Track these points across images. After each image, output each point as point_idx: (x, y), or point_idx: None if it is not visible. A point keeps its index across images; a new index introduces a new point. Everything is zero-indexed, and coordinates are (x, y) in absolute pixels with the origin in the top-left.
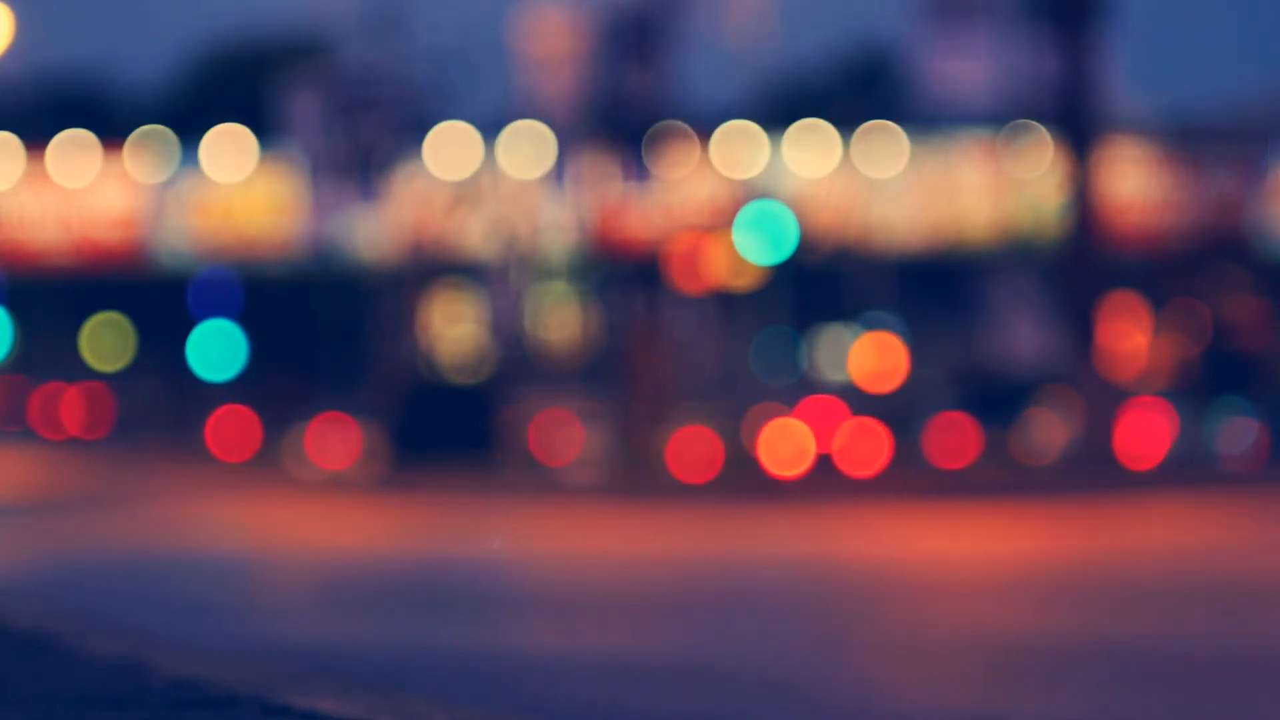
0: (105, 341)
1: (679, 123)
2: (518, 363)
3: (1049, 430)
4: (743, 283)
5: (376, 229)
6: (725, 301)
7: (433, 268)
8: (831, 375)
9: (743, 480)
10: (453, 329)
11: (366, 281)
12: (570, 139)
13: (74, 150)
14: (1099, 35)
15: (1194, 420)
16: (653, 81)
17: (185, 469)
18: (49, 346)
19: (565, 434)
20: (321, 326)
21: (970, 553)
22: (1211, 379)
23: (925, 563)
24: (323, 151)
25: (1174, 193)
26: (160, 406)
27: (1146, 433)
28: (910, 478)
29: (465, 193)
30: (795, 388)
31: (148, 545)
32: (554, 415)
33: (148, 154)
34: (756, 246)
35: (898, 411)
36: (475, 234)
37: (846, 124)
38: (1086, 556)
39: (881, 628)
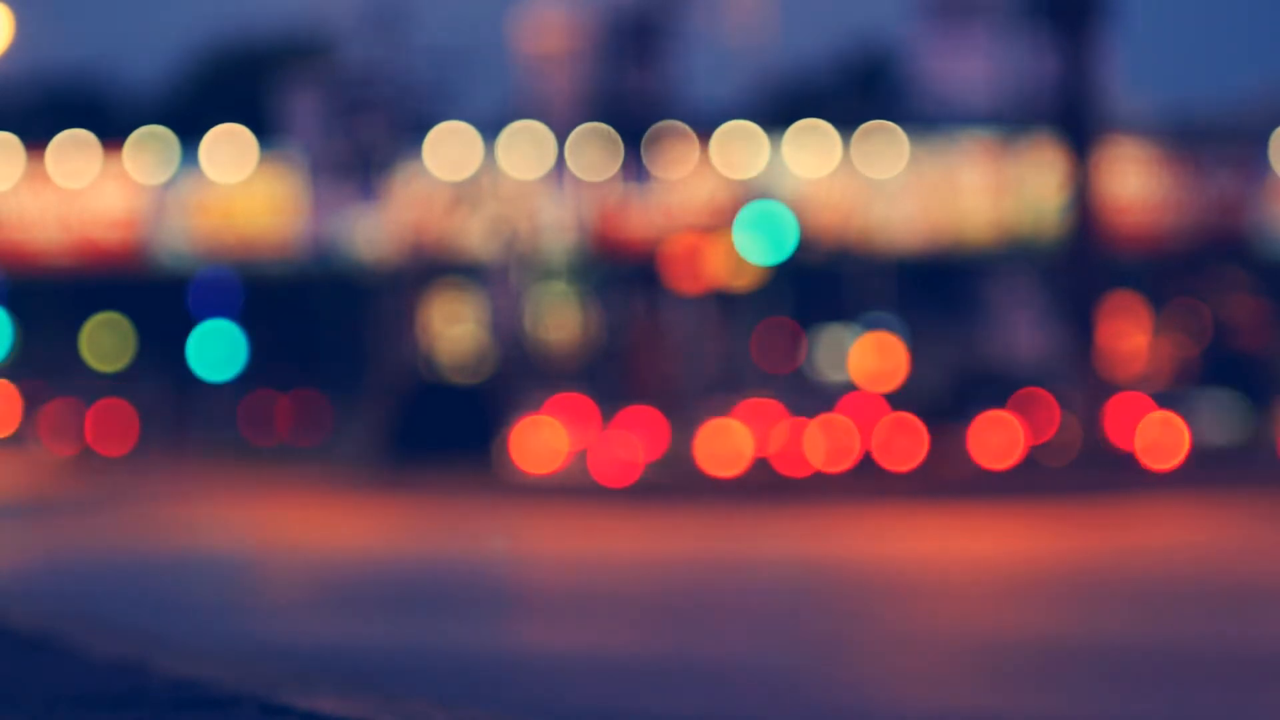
0: (105, 341)
1: (679, 123)
2: (518, 363)
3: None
4: (743, 283)
5: (376, 229)
6: (725, 301)
7: (433, 268)
8: (832, 375)
9: (678, 480)
10: (453, 329)
11: (366, 281)
12: (570, 139)
13: (74, 150)
14: (1099, 35)
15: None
16: (653, 81)
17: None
18: (49, 347)
19: (548, 437)
20: (321, 326)
21: (966, 553)
22: (1212, 379)
23: (921, 563)
24: (323, 151)
25: (1174, 193)
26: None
27: (1158, 432)
28: (855, 480)
29: (465, 193)
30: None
31: (148, 545)
32: (536, 419)
33: (148, 154)
34: (756, 246)
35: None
36: (475, 234)
37: (846, 124)
38: (1086, 557)
39: (879, 628)
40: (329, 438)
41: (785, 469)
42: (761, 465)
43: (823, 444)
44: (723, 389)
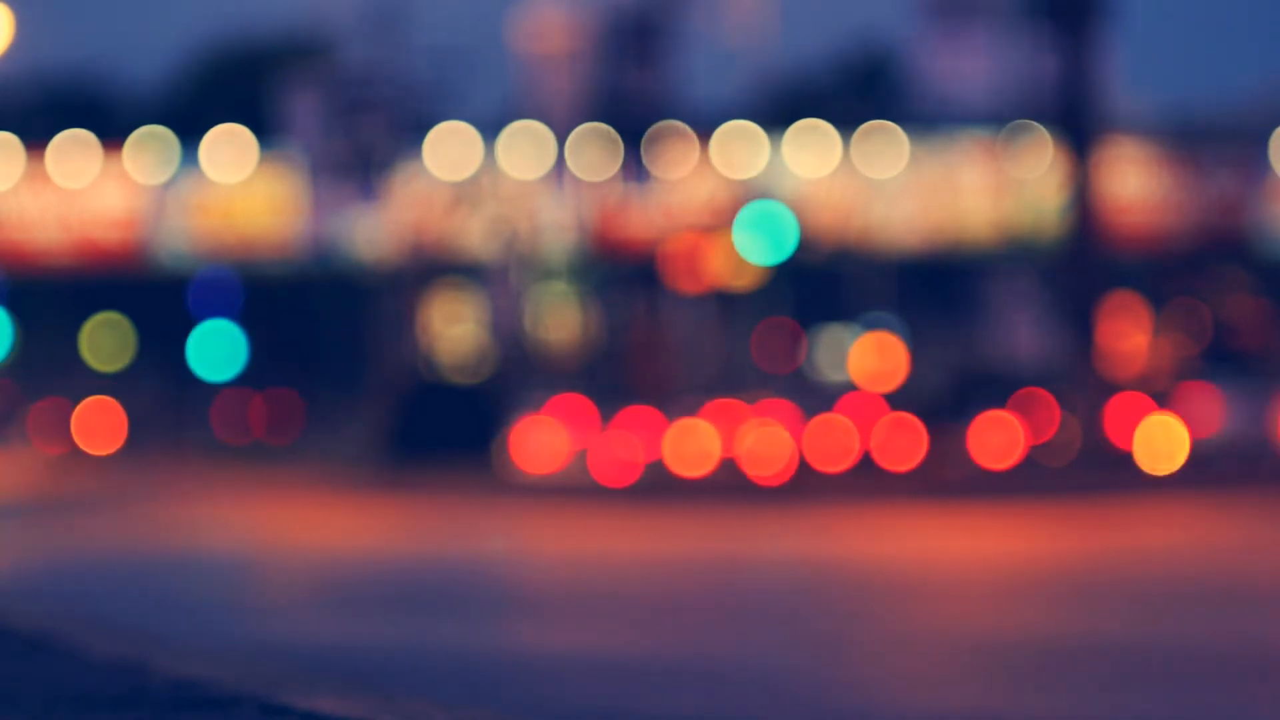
0: (105, 341)
1: (679, 123)
2: (518, 363)
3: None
4: (743, 283)
5: (376, 229)
6: (725, 301)
7: (433, 268)
8: (832, 375)
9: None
10: (453, 329)
11: (366, 281)
12: (570, 139)
13: (74, 150)
14: (1099, 35)
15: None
16: (653, 81)
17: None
18: (49, 347)
19: (550, 437)
20: (321, 326)
21: (966, 553)
22: (1211, 379)
23: (921, 563)
24: (323, 151)
25: (1174, 193)
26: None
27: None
28: (854, 480)
29: (465, 193)
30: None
31: (148, 545)
32: (536, 419)
33: (148, 154)
34: (756, 246)
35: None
36: (475, 234)
37: (846, 124)
38: (1086, 557)
39: (879, 628)
40: (301, 436)
41: (751, 470)
42: (728, 466)
43: (819, 444)
44: (723, 389)
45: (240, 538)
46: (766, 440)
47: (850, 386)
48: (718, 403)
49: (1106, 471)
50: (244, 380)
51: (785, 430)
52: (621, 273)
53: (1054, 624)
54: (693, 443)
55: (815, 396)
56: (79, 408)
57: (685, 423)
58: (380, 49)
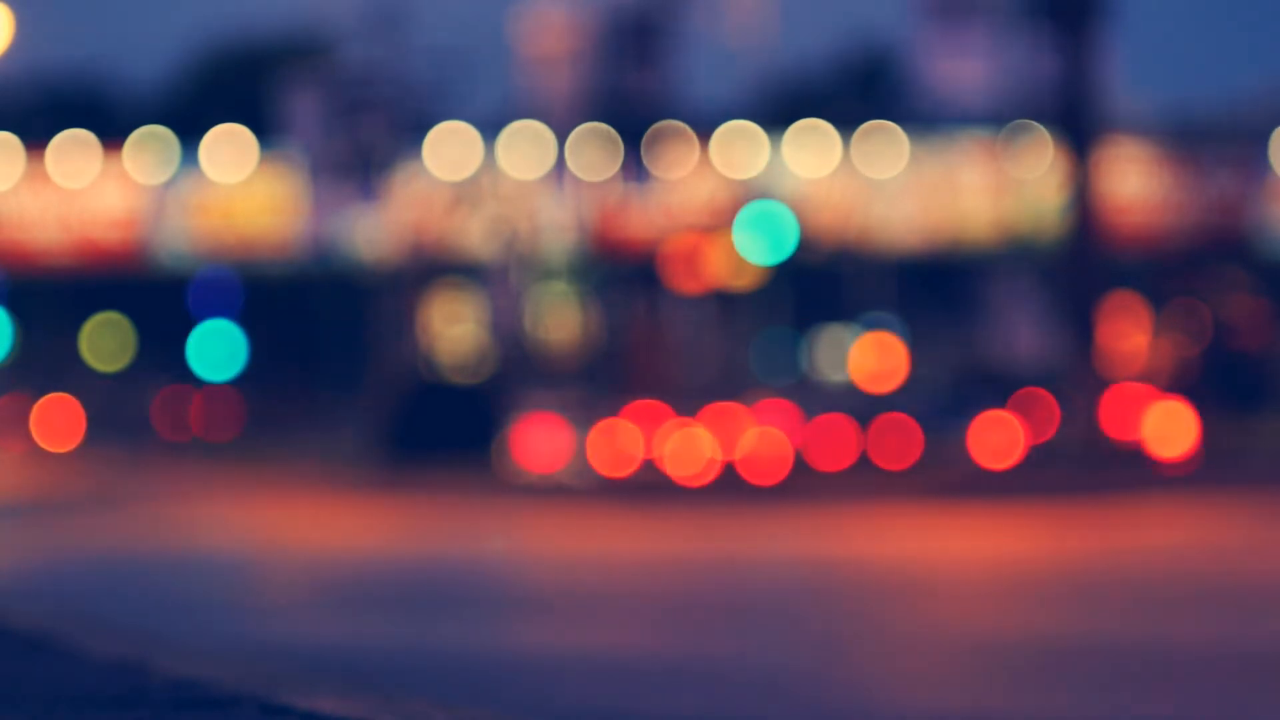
0: (105, 341)
1: (679, 123)
2: (518, 363)
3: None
4: (743, 283)
5: (376, 229)
6: (725, 301)
7: (433, 268)
8: (832, 375)
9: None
10: (453, 329)
11: (366, 281)
12: (570, 139)
13: (74, 150)
14: (1099, 35)
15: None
16: (653, 81)
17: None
18: (49, 346)
19: (553, 437)
20: (321, 326)
21: (966, 553)
22: (1211, 379)
23: (921, 563)
24: (323, 151)
25: (1174, 193)
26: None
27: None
28: (853, 479)
29: (465, 193)
30: (796, 388)
31: (148, 545)
32: (540, 418)
33: (148, 154)
34: (756, 246)
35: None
36: (475, 234)
37: (846, 124)
38: (1086, 557)
39: (879, 628)
40: (241, 434)
41: (672, 470)
42: (649, 467)
43: (818, 444)
44: (723, 390)
45: (240, 538)
46: (765, 441)
47: (850, 386)
48: (639, 404)
49: (1107, 471)
50: (241, 380)
51: (783, 431)
52: (621, 273)
53: (1054, 624)
54: (613, 445)
55: (815, 396)
56: (37, 405)
57: (606, 423)
58: (380, 49)
